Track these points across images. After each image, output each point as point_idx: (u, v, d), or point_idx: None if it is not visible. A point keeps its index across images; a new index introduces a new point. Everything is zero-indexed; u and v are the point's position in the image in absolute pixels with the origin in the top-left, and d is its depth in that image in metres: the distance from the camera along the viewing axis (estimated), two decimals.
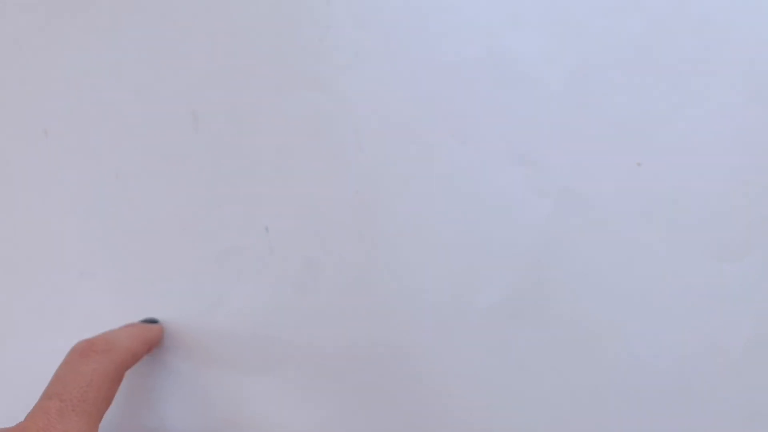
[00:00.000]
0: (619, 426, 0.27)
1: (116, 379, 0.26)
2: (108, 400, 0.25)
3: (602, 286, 0.28)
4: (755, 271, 0.27)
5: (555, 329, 0.28)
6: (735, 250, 0.28)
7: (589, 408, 0.28)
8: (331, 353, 0.30)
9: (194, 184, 0.33)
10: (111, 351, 0.26)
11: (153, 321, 0.31)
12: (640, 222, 0.29)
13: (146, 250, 0.33)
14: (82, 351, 0.26)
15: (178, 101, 0.35)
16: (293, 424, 0.30)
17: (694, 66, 0.30)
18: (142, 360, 0.30)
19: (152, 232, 0.30)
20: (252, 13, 0.35)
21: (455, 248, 0.30)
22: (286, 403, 0.30)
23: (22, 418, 0.25)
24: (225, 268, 0.32)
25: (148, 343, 0.29)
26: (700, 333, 0.27)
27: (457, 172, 0.31)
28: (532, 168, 0.30)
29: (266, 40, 0.35)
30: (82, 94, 0.37)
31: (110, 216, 0.33)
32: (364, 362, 0.30)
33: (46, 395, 0.25)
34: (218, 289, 0.32)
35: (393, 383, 0.29)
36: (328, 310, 0.31)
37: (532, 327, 0.29)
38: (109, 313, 0.33)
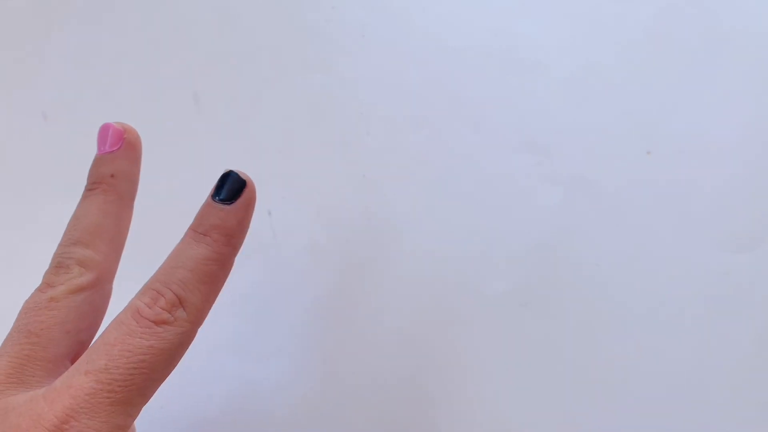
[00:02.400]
0: (626, 412, 0.27)
1: (181, 353, 0.21)
2: (160, 382, 0.20)
3: (611, 275, 0.28)
4: (764, 261, 0.27)
5: (564, 317, 0.28)
6: (744, 241, 0.28)
7: (596, 395, 0.27)
8: (335, 340, 0.30)
9: (195, 167, 0.33)
10: (181, 319, 0.20)
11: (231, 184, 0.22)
12: (649, 211, 0.29)
13: (146, 234, 0.32)
14: (144, 318, 0.20)
15: (179, 82, 0.35)
16: (296, 411, 0.30)
17: (704, 55, 0.30)
18: None
19: (152, 216, 0.30)
20: None
21: (465, 235, 0.30)
22: (289, 389, 0.30)
23: None
24: None
25: (219, 277, 0.22)
26: (708, 323, 0.27)
27: (466, 158, 0.31)
28: (543, 155, 0.30)
29: (270, 19, 0.35)
30: (81, 77, 0.37)
31: None
32: (370, 349, 0.29)
33: (83, 366, 0.19)
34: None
35: (399, 368, 0.29)
36: (333, 295, 0.30)
37: (541, 314, 0.28)
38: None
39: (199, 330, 0.29)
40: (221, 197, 0.22)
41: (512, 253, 0.29)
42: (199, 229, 0.22)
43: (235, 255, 0.22)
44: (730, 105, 0.29)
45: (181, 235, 0.32)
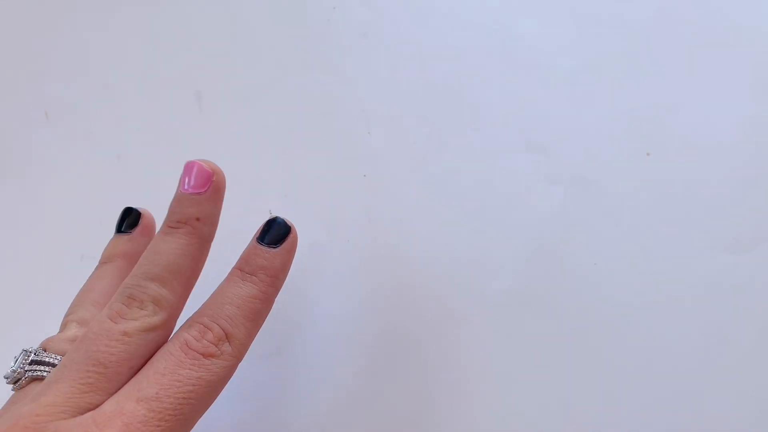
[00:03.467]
0: (626, 412, 0.27)
1: (223, 386, 0.21)
2: (201, 414, 0.21)
3: (611, 274, 0.28)
4: (763, 262, 0.27)
5: (564, 316, 0.28)
6: (744, 241, 0.28)
7: (595, 395, 0.27)
8: (337, 338, 0.30)
9: None
10: (227, 354, 0.21)
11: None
12: (649, 211, 0.29)
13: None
14: (192, 350, 0.21)
15: (180, 82, 0.35)
16: (296, 410, 0.30)
17: (704, 55, 0.30)
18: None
19: (154, 214, 0.30)
20: None
21: (465, 235, 0.30)
22: (289, 388, 0.30)
23: None
24: (228, 252, 0.31)
25: (263, 315, 0.23)
26: (707, 323, 0.27)
27: (467, 157, 0.31)
28: (544, 155, 0.30)
29: (271, 19, 0.35)
30: (83, 75, 0.37)
31: (112, 198, 0.32)
32: (371, 347, 0.30)
33: (134, 393, 0.20)
34: (221, 273, 0.31)
35: (399, 368, 0.29)
36: (333, 295, 0.30)
37: (541, 314, 0.28)
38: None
39: None
40: (266, 241, 0.23)
41: (512, 252, 0.29)
42: (245, 269, 0.23)
43: (276, 295, 0.23)
44: (729, 105, 0.29)
45: None
